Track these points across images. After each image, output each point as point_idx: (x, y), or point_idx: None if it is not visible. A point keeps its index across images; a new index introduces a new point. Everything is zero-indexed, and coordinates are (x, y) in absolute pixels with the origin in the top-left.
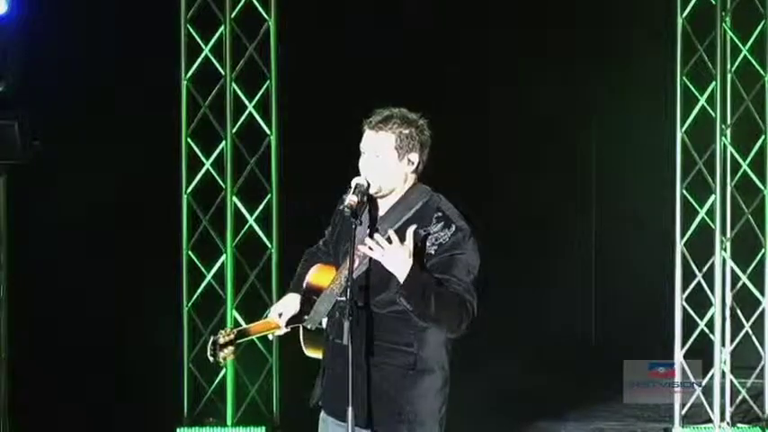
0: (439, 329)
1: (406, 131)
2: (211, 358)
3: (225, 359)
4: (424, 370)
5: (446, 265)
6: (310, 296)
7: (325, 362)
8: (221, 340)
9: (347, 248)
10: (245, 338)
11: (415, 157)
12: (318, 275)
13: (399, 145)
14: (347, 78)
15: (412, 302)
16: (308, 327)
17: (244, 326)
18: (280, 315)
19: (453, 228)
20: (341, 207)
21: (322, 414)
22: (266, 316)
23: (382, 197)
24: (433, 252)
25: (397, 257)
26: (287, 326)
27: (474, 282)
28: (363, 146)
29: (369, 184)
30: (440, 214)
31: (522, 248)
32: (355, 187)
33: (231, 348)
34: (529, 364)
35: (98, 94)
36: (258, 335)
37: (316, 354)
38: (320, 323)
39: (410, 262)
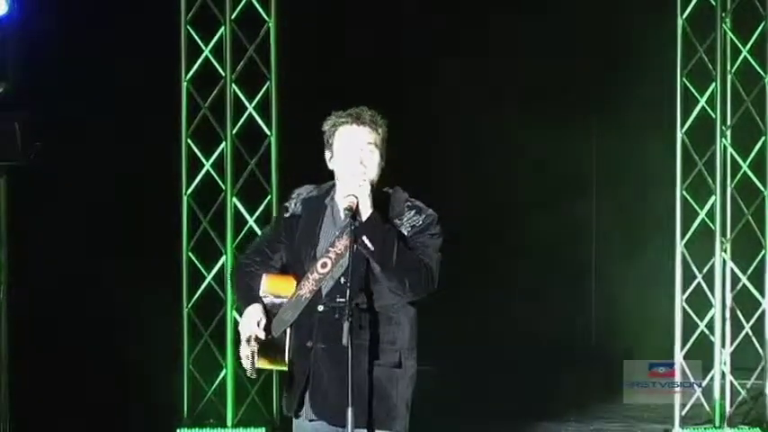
0: (400, 286)
1: (383, 127)
2: (249, 370)
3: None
4: (411, 360)
5: (416, 242)
6: (271, 306)
7: (303, 368)
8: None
9: (314, 254)
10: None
11: (385, 151)
12: (273, 285)
13: (383, 139)
14: (347, 78)
15: (376, 244)
16: (273, 334)
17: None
18: (258, 324)
19: (425, 214)
20: (285, 214)
21: (301, 422)
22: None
23: None
24: (406, 233)
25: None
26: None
27: (438, 260)
28: (354, 142)
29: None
30: (410, 203)
31: (521, 248)
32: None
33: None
34: (529, 364)
35: (98, 94)
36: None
37: (268, 365)
38: (285, 331)
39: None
